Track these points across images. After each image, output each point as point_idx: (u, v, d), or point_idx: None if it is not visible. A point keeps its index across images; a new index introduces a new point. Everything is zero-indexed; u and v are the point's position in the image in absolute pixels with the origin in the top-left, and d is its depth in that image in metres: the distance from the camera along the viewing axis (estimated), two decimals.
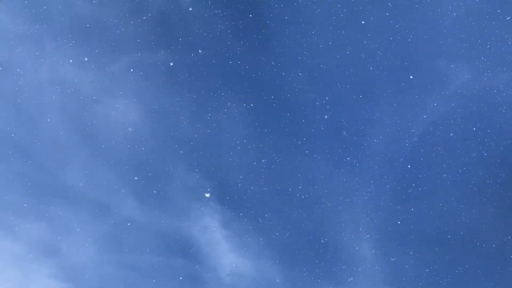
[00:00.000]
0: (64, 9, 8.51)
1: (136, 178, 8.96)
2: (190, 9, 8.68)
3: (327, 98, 8.91)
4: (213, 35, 8.79)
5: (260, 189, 9.11)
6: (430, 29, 8.60)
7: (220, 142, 9.03)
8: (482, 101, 8.69)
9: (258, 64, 8.85)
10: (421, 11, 8.58)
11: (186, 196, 9.08)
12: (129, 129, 8.84)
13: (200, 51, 8.77)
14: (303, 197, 9.11)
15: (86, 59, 8.61)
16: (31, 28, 8.49)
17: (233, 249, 9.25)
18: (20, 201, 8.82)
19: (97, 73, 8.69)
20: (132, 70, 8.71)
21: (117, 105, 8.81)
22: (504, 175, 8.75)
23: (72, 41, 8.57)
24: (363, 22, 8.63)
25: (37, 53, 8.54)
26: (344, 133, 8.97)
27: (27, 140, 8.72)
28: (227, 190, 9.13)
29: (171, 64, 8.76)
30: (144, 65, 8.76)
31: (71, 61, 8.60)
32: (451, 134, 8.82)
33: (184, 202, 9.10)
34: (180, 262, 9.20)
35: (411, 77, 8.76)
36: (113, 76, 8.72)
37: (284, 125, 9.01)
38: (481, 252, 8.86)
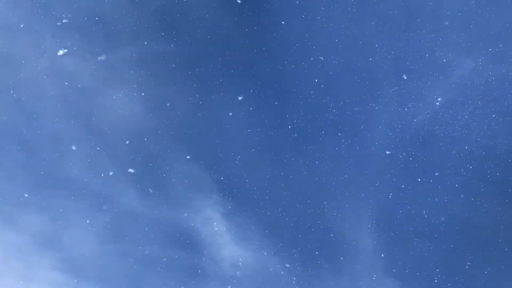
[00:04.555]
0: (64, 0, 8.52)
1: (137, 169, 8.97)
2: (192, 1, 8.69)
3: (327, 94, 8.92)
4: (217, 29, 8.81)
5: (262, 181, 9.12)
6: (432, 21, 8.59)
7: (222, 134, 9.04)
8: (485, 93, 8.67)
9: (260, 59, 8.88)
10: (423, 3, 8.56)
11: (188, 187, 9.08)
12: (130, 121, 8.85)
13: (203, 43, 8.78)
14: (305, 189, 9.13)
15: (86, 51, 8.62)
16: (32, 20, 8.50)
17: (235, 241, 9.25)
18: (21, 193, 8.83)
19: (98, 65, 8.69)
20: (133, 62, 8.72)
21: (118, 97, 8.81)
22: (509, 169, 8.73)
23: (72, 33, 8.58)
24: (363, 15, 8.62)
25: (37, 45, 8.55)
26: (345, 128, 8.98)
27: (28, 132, 8.74)
28: (229, 182, 9.14)
29: (173, 56, 8.77)
30: (146, 57, 8.78)
31: (71, 53, 8.61)
32: (454, 128, 8.80)
33: (185, 194, 9.10)
34: (182, 254, 9.20)
35: (411, 69, 8.76)
36: (114, 67, 8.74)
37: (286, 119, 9.02)
38: (482, 248, 8.86)
